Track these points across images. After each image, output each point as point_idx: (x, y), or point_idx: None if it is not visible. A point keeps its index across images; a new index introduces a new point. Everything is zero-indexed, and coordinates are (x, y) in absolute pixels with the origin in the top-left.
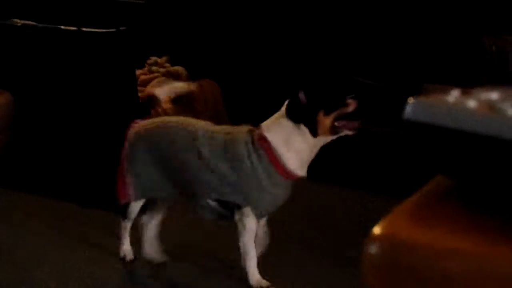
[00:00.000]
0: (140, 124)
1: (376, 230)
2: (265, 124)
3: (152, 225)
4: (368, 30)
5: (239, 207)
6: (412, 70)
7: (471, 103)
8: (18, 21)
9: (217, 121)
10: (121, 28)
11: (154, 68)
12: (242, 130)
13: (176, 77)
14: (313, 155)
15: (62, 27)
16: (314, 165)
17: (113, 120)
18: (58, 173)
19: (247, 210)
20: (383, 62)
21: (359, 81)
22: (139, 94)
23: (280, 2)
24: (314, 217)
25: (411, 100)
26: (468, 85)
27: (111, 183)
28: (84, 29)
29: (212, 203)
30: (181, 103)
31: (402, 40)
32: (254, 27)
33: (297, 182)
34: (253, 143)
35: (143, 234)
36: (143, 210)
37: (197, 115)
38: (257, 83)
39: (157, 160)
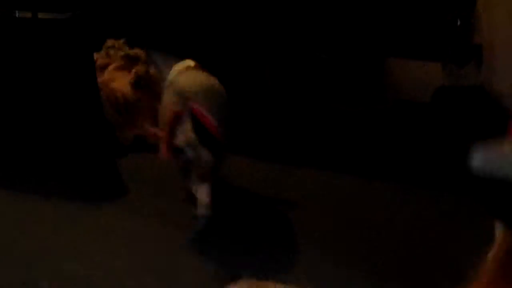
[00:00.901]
0: None
1: None
2: None
3: None
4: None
5: None
6: (374, 45)
7: None
8: None
9: None
10: (77, 12)
11: (112, 51)
12: None
13: (135, 60)
14: None
15: (17, 13)
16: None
17: (73, 108)
18: (24, 165)
19: None
20: (343, 37)
21: (321, 58)
22: (98, 80)
23: None
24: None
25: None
26: (431, 59)
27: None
28: (39, 15)
29: None
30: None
31: (363, 13)
32: (214, 4)
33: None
34: None
35: None
36: None
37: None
38: (219, 61)
39: None
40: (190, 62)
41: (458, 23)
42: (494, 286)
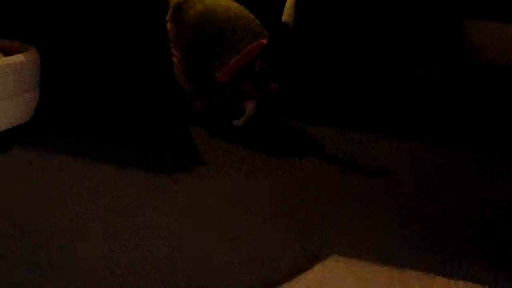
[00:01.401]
0: None
1: None
2: None
3: None
4: None
5: None
6: (451, 6)
7: None
8: None
9: None
10: None
11: None
12: None
13: None
14: None
15: None
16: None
17: (144, 69)
18: (96, 132)
19: None
20: None
21: (397, 20)
22: None
23: None
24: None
25: None
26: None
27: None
28: None
29: None
30: None
31: None
32: None
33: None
34: None
35: None
36: None
37: None
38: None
39: None
40: None
41: None
42: None
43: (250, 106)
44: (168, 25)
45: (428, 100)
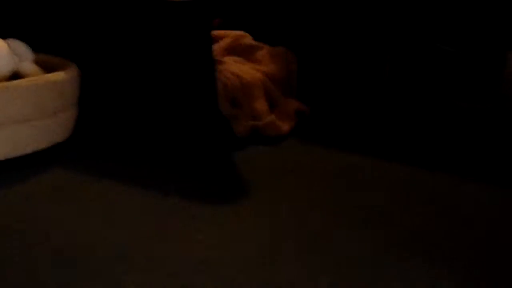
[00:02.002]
0: None
1: None
2: None
3: None
4: None
5: None
6: (495, 37)
7: None
8: None
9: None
10: None
11: None
12: None
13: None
14: None
15: None
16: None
17: (187, 93)
18: (135, 155)
19: None
20: (464, 27)
21: (440, 48)
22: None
23: None
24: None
25: None
26: None
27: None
28: None
29: None
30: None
31: (486, 4)
32: None
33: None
34: None
35: None
36: None
37: None
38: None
39: None
40: None
41: None
42: None
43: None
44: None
45: (471, 133)
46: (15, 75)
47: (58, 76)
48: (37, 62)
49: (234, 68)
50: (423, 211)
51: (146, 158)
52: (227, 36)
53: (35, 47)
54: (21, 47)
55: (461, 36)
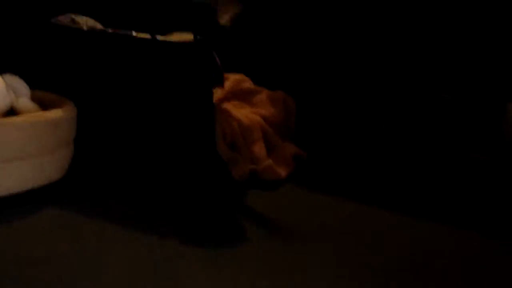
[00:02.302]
0: None
1: None
2: None
3: None
4: (451, 44)
5: None
6: (496, 88)
7: None
8: (81, 20)
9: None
10: (199, 38)
11: None
12: None
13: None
14: None
15: (134, 33)
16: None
17: (186, 136)
18: (131, 195)
19: None
20: (467, 78)
21: (444, 98)
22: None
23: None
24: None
25: None
26: None
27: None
28: (158, 37)
29: None
30: None
31: (487, 55)
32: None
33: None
34: None
35: None
36: None
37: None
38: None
39: None
40: None
41: None
42: None
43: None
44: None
45: (471, 183)
46: (11, 111)
47: (55, 113)
48: (33, 99)
49: (233, 112)
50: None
51: (143, 199)
52: (227, 80)
53: (32, 83)
54: (18, 83)
55: (461, 86)
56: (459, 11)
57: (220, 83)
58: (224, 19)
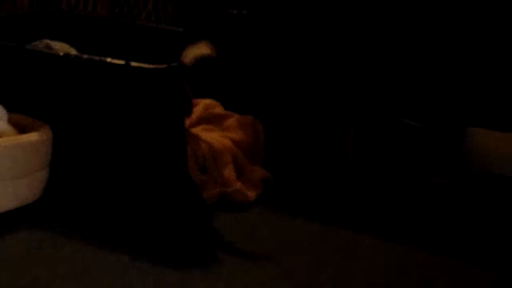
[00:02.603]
0: None
1: None
2: None
3: None
4: (413, 70)
5: None
6: (456, 113)
7: None
8: (56, 45)
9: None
10: (173, 64)
11: None
12: None
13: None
14: None
15: (109, 59)
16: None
17: (158, 159)
18: (104, 217)
19: None
20: (426, 102)
21: (403, 123)
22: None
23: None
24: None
25: None
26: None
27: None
28: (132, 63)
29: None
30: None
31: (448, 83)
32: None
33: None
34: None
35: None
36: None
37: None
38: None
39: None
40: None
41: None
42: None
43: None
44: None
45: (430, 206)
46: None
47: (32, 136)
48: (10, 122)
49: (204, 135)
50: None
51: (115, 221)
52: (198, 104)
53: (9, 107)
54: None
55: (423, 111)
56: (420, 39)
57: (189, 113)
58: (188, 58)
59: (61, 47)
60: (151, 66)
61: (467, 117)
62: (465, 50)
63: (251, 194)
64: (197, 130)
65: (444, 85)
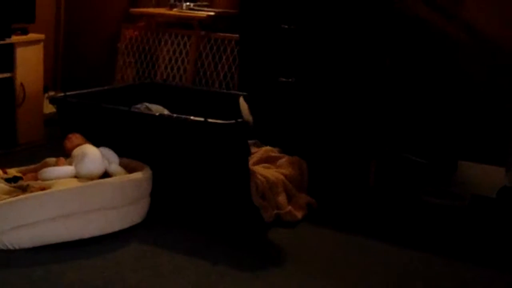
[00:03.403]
0: None
1: None
2: None
3: None
4: (416, 118)
5: None
6: (449, 151)
7: None
8: (153, 107)
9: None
10: (239, 120)
11: None
12: None
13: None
14: None
15: (192, 117)
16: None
17: (229, 189)
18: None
19: None
20: (428, 144)
21: (407, 158)
22: None
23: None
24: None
25: None
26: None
27: None
28: (209, 120)
29: None
30: None
31: (441, 129)
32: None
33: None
34: None
35: None
36: None
37: None
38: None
39: None
40: None
41: None
42: None
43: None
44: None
45: (431, 221)
46: (106, 174)
47: (137, 175)
48: (121, 164)
49: (263, 172)
50: None
51: (199, 236)
52: (260, 150)
53: (120, 153)
54: (110, 153)
55: (426, 150)
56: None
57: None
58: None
59: (156, 109)
60: (223, 122)
61: (458, 154)
62: (459, 110)
63: (299, 215)
64: (258, 168)
65: (440, 132)
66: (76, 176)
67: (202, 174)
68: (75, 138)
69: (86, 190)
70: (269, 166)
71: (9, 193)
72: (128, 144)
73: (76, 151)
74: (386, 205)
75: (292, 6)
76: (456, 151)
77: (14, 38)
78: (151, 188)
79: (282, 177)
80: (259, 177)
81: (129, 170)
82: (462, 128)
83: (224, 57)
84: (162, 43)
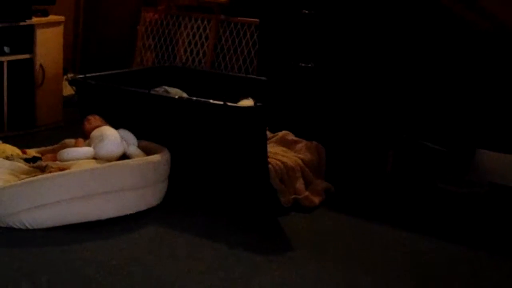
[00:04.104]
0: None
1: None
2: None
3: None
4: (436, 106)
5: None
6: (468, 139)
7: None
8: (172, 90)
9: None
10: (258, 104)
11: None
12: None
13: None
14: None
15: (211, 101)
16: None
17: (248, 171)
18: (210, 216)
19: None
20: (446, 131)
21: (425, 145)
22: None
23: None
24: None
25: None
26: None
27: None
28: (228, 103)
29: None
30: None
31: (461, 116)
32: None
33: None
34: None
35: None
36: None
37: None
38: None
39: None
40: None
41: None
42: None
43: (317, 202)
44: None
45: (448, 208)
46: (124, 156)
47: (155, 157)
48: (140, 147)
49: (281, 157)
50: None
51: (216, 219)
52: (278, 134)
53: (138, 136)
54: (129, 135)
55: (445, 138)
56: (441, 91)
57: None
58: None
59: (175, 92)
60: (242, 105)
61: (476, 142)
62: (478, 98)
63: (316, 200)
64: (276, 151)
65: (459, 120)
66: (95, 158)
67: (220, 158)
68: (94, 119)
69: (105, 171)
70: (287, 151)
71: (28, 173)
72: (147, 126)
73: (95, 133)
74: (403, 192)
75: None
76: (474, 139)
77: (35, 20)
78: (169, 171)
79: (300, 162)
80: (277, 161)
81: (148, 152)
82: (480, 116)
83: (243, 42)
84: (182, 26)
